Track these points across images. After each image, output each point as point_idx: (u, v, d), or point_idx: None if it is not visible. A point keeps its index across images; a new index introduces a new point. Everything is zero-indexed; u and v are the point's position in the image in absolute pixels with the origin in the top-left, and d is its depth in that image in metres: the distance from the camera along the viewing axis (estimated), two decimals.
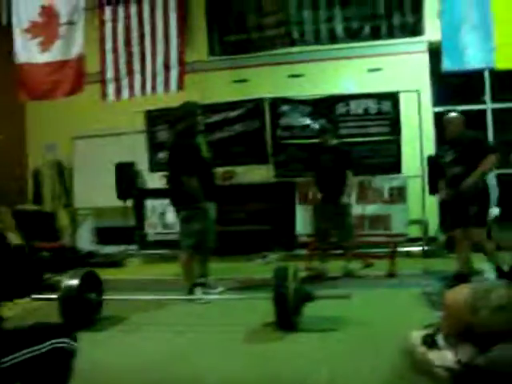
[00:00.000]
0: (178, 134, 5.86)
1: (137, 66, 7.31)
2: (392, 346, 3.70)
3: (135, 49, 7.28)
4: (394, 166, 8.18)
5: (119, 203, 9.41)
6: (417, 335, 3.44)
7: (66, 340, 2.19)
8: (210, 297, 5.44)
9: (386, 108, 8.23)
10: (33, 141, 10.93)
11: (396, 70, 8.91)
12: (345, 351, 3.78)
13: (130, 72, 7.32)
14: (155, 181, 8.96)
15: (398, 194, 8.11)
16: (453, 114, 6.14)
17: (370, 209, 8.03)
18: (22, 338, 2.13)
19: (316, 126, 8.13)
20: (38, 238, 8.97)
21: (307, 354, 3.77)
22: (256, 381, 3.29)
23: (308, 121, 8.38)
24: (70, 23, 7.37)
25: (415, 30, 7.36)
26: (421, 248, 8.20)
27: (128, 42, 7.31)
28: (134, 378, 3.47)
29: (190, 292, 5.61)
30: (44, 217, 10.16)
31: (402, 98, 8.25)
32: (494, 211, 6.98)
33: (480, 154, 5.59)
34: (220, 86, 9.35)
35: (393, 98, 8.22)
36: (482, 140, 6.01)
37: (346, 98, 8.37)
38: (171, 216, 8.73)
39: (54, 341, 2.14)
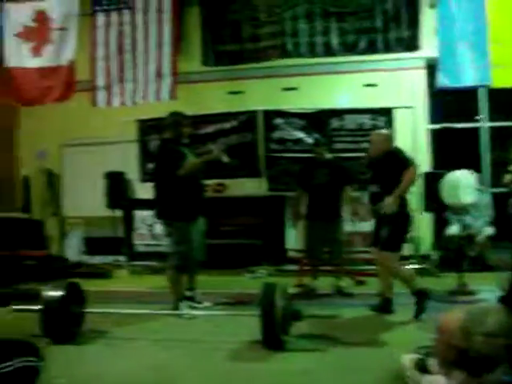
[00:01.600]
0: (163, 143, 5.80)
1: (128, 74, 7.22)
2: (382, 368, 3.60)
3: (127, 56, 7.20)
4: None
5: (108, 213, 9.28)
6: (408, 358, 3.33)
7: (32, 358, 2.11)
8: (195, 312, 5.29)
9: (381, 124, 8.16)
10: (24, 147, 10.80)
11: (392, 85, 8.86)
12: (333, 373, 3.66)
13: (122, 79, 7.22)
14: (146, 191, 8.83)
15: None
16: (378, 131, 6.05)
17: (363, 225, 7.92)
18: None
19: (309, 139, 8.05)
20: (25, 247, 8.84)
21: (293, 374, 3.65)
22: None
23: (301, 134, 8.30)
24: (63, 29, 7.29)
25: (411, 44, 7.34)
26: (413, 266, 8.08)
27: (120, 50, 7.23)
28: None
29: (176, 306, 5.47)
30: (32, 225, 10.01)
31: (397, 114, 8.19)
32: (488, 231, 6.89)
33: (396, 170, 5.25)
34: (214, 97, 9.27)
35: (387, 113, 8.17)
36: (396, 154, 5.48)
37: (340, 113, 8.31)
38: (160, 227, 8.64)
39: (19, 359, 2.06)
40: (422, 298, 5.26)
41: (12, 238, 8.75)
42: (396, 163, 5.34)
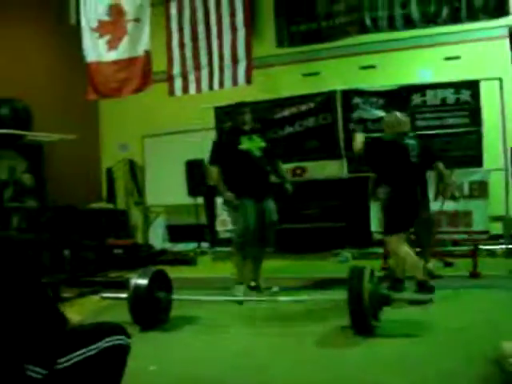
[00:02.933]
0: (222, 133, 6.15)
1: (204, 61, 7.20)
2: (478, 355, 3.41)
3: (201, 43, 7.18)
4: (475, 159, 7.75)
5: (190, 201, 9.41)
6: (508, 346, 3.13)
7: (120, 337, 2.14)
8: (284, 298, 5.22)
9: (466, 97, 7.80)
10: (106, 140, 11.13)
11: (476, 57, 8.46)
12: (425, 359, 3.49)
13: (197, 67, 7.21)
14: None
15: (479, 189, 7.68)
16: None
17: (449, 205, 7.62)
18: (75, 338, 2.07)
19: None
20: (111, 236, 9.12)
21: (384, 360, 3.52)
22: None
23: (382, 113, 8.04)
24: (137, 20, 7.36)
25: (499, 10, 6.85)
26: (504, 246, 7.72)
27: (194, 37, 7.21)
28: (201, 379, 3.34)
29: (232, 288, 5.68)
30: (117, 214, 10.32)
31: (483, 86, 7.79)
32: None
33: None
34: (290, 79, 9.19)
35: (473, 86, 7.79)
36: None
37: (421, 88, 7.99)
38: None
39: (108, 339, 2.09)
40: (422, 289, 5.15)
41: (99, 228, 9.04)
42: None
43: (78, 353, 1.99)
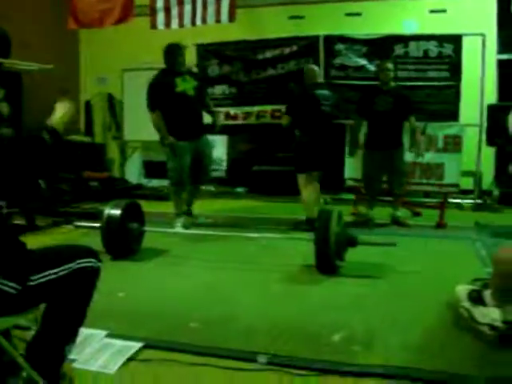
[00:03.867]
0: (158, 72, 6.17)
1: None
2: (435, 298, 3.59)
3: None
4: (452, 114, 7.81)
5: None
6: (463, 289, 3.30)
7: (91, 260, 2.20)
8: (251, 234, 5.35)
9: (448, 51, 7.80)
10: (85, 72, 10.95)
11: (461, 12, 8.40)
12: (385, 299, 3.67)
13: (180, 1, 7.09)
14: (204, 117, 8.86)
15: (453, 143, 7.79)
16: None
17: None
18: (48, 258, 2.13)
19: (371, 67, 7.81)
20: (88, 168, 9.13)
21: (345, 298, 3.69)
22: (289, 322, 3.22)
23: (363, 61, 8.04)
24: None
25: None
26: (473, 201, 7.91)
27: None
28: (167, 308, 3.47)
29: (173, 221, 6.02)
30: (95, 148, 10.28)
31: (466, 41, 7.80)
32: None
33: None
34: (274, 21, 9.06)
35: (455, 40, 7.77)
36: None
37: (405, 39, 7.96)
38: (218, 152, 8.70)
39: (80, 260, 2.15)
40: (308, 225, 5.68)
41: (76, 161, 9.03)
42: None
43: (50, 271, 2.05)
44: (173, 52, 6.04)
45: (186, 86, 6.02)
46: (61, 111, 2.41)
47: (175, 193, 6.19)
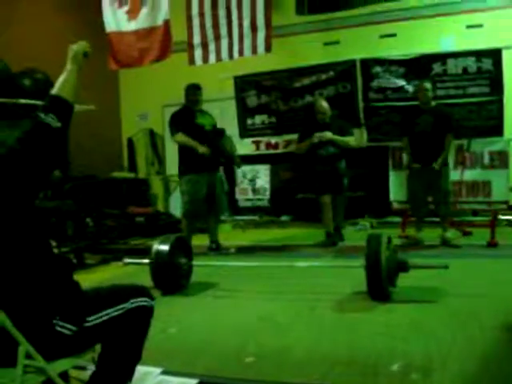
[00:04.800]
0: (178, 109, 6.85)
1: (223, 30, 7.18)
2: (494, 321, 3.47)
3: (221, 12, 7.14)
4: (495, 129, 7.69)
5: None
6: None
7: (145, 298, 2.21)
8: (301, 264, 5.29)
9: (487, 66, 7.71)
10: (126, 110, 11.21)
11: (498, 25, 8.30)
12: (440, 324, 3.56)
13: (217, 36, 7.20)
14: (246, 147, 8.93)
15: (499, 159, 7.64)
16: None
17: (469, 174, 7.60)
18: (103, 299, 2.14)
19: (410, 87, 7.75)
20: (133, 204, 9.26)
21: (400, 325, 3.59)
22: (344, 352, 3.15)
23: (402, 82, 7.99)
24: None
25: None
26: None
27: (214, 5, 7.17)
28: (220, 343, 3.44)
29: None
30: (138, 183, 10.45)
31: (505, 55, 7.68)
32: None
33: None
34: (309, 48, 9.12)
35: (494, 55, 7.68)
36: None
37: (442, 57, 7.90)
38: (261, 182, 8.73)
39: (134, 300, 2.15)
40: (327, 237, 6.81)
41: (122, 197, 9.18)
42: None
43: (105, 312, 2.06)
44: (190, 91, 6.79)
45: (204, 120, 6.65)
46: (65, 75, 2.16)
47: (188, 226, 6.57)
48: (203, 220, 6.95)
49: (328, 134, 6.78)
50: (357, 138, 7.58)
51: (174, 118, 6.74)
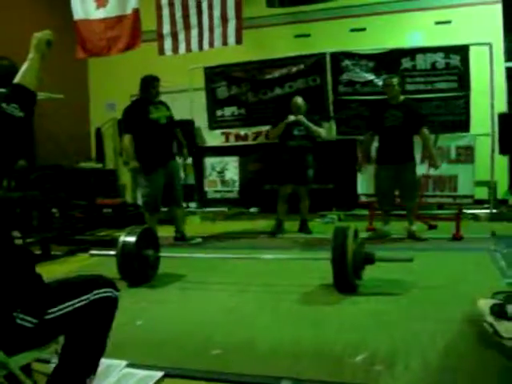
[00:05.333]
0: (132, 102, 6.83)
1: (193, 20, 7.13)
2: (457, 313, 3.53)
3: (191, 2, 7.09)
4: (462, 124, 7.78)
5: (179, 161, 9.40)
6: (484, 303, 3.25)
7: (109, 290, 2.19)
8: (268, 256, 5.31)
9: (455, 62, 7.79)
10: (94, 100, 11.07)
11: (466, 22, 8.42)
12: (405, 316, 3.61)
13: (187, 26, 7.15)
14: (214, 138, 8.89)
15: (466, 154, 7.74)
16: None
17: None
18: (65, 290, 2.11)
19: (379, 81, 7.80)
20: (101, 195, 9.16)
21: (365, 317, 3.63)
22: (309, 344, 3.18)
23: (371, 76, 8.04)
24: None
25: None
26: (488, 211, 7.84)
27: None
28: (187, 335, 3.43)
29: None
30: (106, 174, 10.34)
31: (473, 51, 7.79)
32: None
33: None
34: (280, 41, 9.13)
35: (462, 51, 7.76)
36: None
37: (411, 52, 7.96)
38: (230, 174, 8.72)
39: (97, 291, 2.13)
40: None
41: (88, 187, 9.07)
42: None
43: (67, 303, 2.03)
44: (148, 83, 6.56)
45: (158, 114, 6.56)
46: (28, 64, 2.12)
47: (151, 219, 6.56)
48: (167, 211, 6.97)
49: (301, 117, 7.00)
50: (326, 131, 7.61)
51: (126, 114, 6.61)
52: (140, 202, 9.92)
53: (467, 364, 2.79)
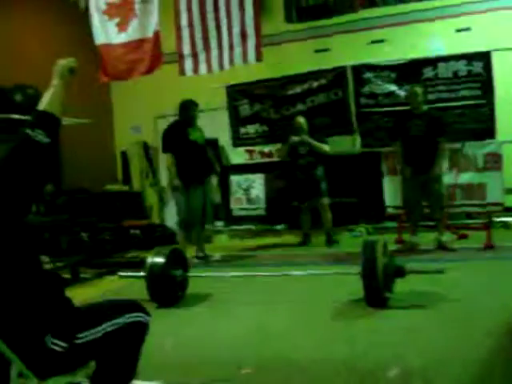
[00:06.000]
0: (170, 124, 7.11)
1: (213, 40, 7.18)
2: (491, 325, 3.45)
3: (210, 23, 7.14)
4: (488, 131, 7.66)
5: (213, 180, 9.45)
6: None
7: (140, 314, 2.18)
8: (297, 273, 5.25)
9: (477, 69, 7.70)
10: (119, 123, 11.19)
11: (487, 28, 8.32)
12: (438, 329, 3.54)
13: (207, 47, 7.20)
14: (239, 156, 8.92)
15: (493, 161, 7.62)
16: None
17: (463, 177, 7.60)
18: (96, 314, 2.11)
19: (401, 92, 7.75)
20: (128, 217, 9.21)
21: (397, 332, 3.57)
22: (342, 360, 3.13)
23: (393, 87, 7.99)
24: (145, 1, 7.31)
25: None
26: None
27: (203, 16, 7.17)
28: (219, 354, 3.41)
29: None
30: (133, 196, 10.41)
31: (495, 57, 7.69)
32: None
33: None
34: (300, 56, 9.13)
35: (484, 58, 7.68)
36: None
37: (433, 62, 7.89)
38: (256, 191, 8.72)
39: (128, 315, 2.12)
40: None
41: (115, 210, 9.13)
42: None
43: (98, 328, 2.02)
44: (188, 108, 6.90)
45: (196, 135, 6.88)
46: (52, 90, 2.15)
47: (187, 236, 6.87)
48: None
49: (304, 136, 7.32)
50: (330, 146, 7.71)
51: (166, 135, 7.00)
52: (170, 221, 10.07)
53: (504, 376, 2.71)
